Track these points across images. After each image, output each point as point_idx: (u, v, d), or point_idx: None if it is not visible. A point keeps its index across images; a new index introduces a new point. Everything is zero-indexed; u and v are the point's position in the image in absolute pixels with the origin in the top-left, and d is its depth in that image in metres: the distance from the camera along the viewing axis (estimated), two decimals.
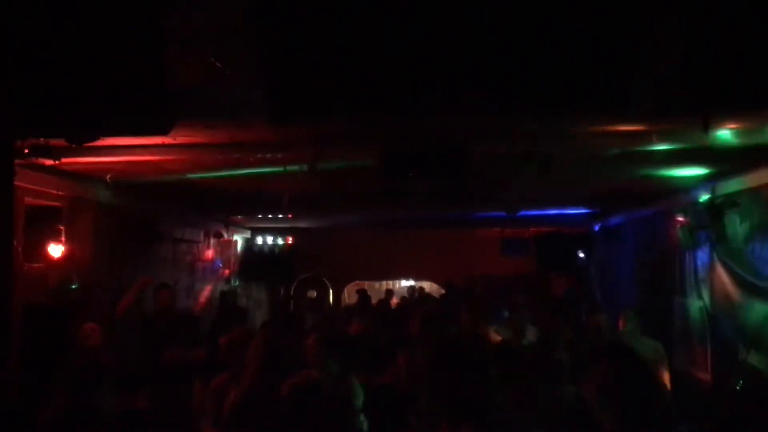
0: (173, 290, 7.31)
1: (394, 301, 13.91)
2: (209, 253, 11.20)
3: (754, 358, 5.65)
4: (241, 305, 12.37)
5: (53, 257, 6.44)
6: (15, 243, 5.76)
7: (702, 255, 7.69)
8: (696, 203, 7.51)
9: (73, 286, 6.83)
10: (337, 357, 4.46)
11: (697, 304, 7.83)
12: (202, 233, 10.78)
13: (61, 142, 4.33)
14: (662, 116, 3.79)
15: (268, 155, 5.43)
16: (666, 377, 5.92)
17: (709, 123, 3.44)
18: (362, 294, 12.71)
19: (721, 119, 3.89)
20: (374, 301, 12.79)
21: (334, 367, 4.40)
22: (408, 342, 4.97)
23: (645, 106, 3.11)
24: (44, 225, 6.44)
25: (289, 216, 10.61)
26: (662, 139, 4.60)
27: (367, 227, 13.24)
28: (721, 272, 7.24)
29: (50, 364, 5.93)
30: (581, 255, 12.51)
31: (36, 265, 6.32)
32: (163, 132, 2.93)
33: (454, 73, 2.80)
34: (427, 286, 16.07)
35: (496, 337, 6.20)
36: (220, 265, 11.43)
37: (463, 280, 13.88)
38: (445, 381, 3.61)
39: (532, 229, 13.18)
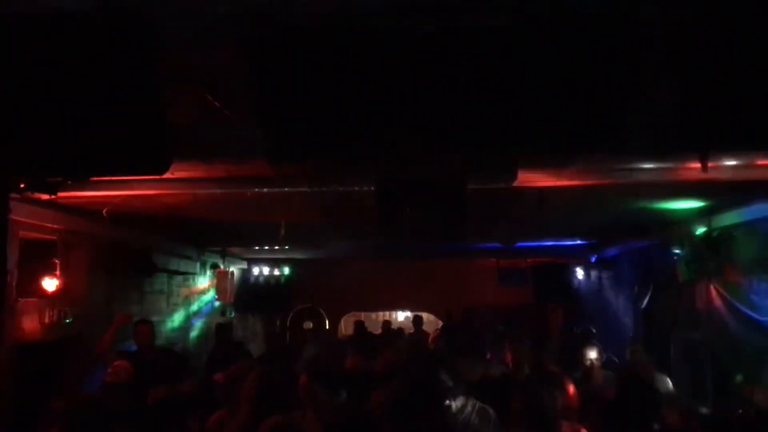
0: (153, 325, 7.22)
1: None
2: (205, 285, 11.14)
3: (759, 395, 5.60)
4: (237, 338, 12.26)
5: (48, 291, 6.39)
6: (9, 278, 5.72)
7: (700, 288, 7.67)
8: (693, 236, 7.51)
9: (68, 321, 6.78)
10: (331, 393, 4.38)
11: (696, 337, 7.79)
12: (198, 265, 10.72)
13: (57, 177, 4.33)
14: (660, 155, 3.80)
15: (266, 189, 5.43)
16: (675, 412, 5.81)
17: (706, 161, 3.45)
18: (359, 326, 12.61)
19: (718, 157, 3.91)
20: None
21: (327, 404, 4.32)
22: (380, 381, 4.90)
23: (643, 145, 3.12)
24: (39, 259, 6.41)
25: (286, 247, 10.58)
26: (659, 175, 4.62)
27: (363, 258, 13.19)
28: (719, 306, 7.22)
29: (44, 399, 5.84)
30: (578, 286, 12.50)
31: (30, 299, 6.27)
32: (161, 171, 2.92)
33: (449, 111, 2.80)
34: (424, 316, 15.97)
35: (495, 372, 6.11)
36: (216, 296, 11.35)
37: (460, 311, 13.80)
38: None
39: (529, 260, 13.17)
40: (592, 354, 5.89)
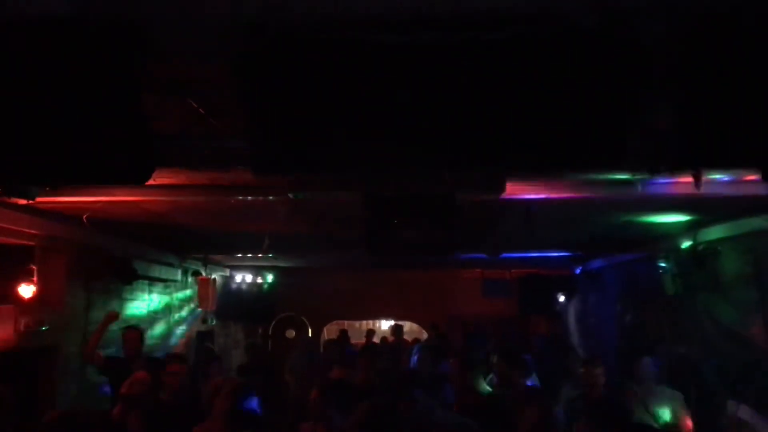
0: (141, 332, 7.11)
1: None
2: (186, 293, 10.98)
3: (744, 413, 5.58)
4: (219, 345, 12.12)
5: (24, 298, 6.23)
6: None
7: (686, 302, 7.66)
8: (679, 250, 7.51)
9: (44, 328, 6.61)
10: (341, 407, 4.29)
11: (681, 351, 7.77)
12: (179, 272, 10.57)
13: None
14: (654, 170, 3.77)
15: (250, 197, 5.34)
16: (688, 424, 5.75)
17: (700, 178, 3.43)
18: (343, 335, 12.54)
19: (710, 173, 3.89)
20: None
21: (337, 419, 4.23)
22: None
23: (637, 160, 3.08)
24: (16, 264, 6.25)
25: (269, 255, 10.46)
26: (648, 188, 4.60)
27: (348, 267, 13.11)
28: (705, 320, 7.21)
29: (20, 409, 5.68)
30: (562, 298, 12.48)
31: (5, 306, 6.10)
32: (140, 181, 2.83)
33: (438, 125, 2.73)
34: (407, 326, 15.92)
35: (486, 389, 6.03)
36: (197, 304, 11.19)
37: (444, 321, 13.74)
38: None
39: (513, 271, 13.15)
40: (597, 371, 5.75)
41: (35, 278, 6.37)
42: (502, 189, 4.53)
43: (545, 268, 12.54)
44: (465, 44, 2.52)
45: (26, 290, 6.25)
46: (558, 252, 10.44)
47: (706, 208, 6.11)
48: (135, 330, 6.98)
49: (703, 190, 4.25)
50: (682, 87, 2.60)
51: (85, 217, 6.28)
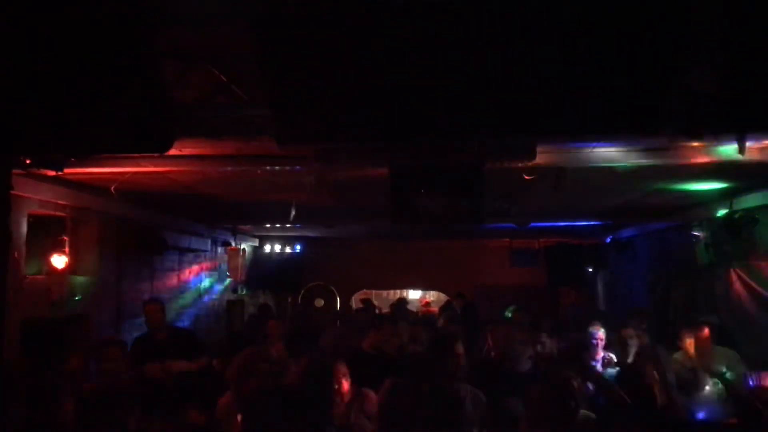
0: (163, 304, 7.10)
1: None
2: (216, 263, 11.07)
3: None
4: (249, 314, 12.24)
5: (56, 268, 6.33)
6: (16, 254, 5.65)
7: (719, 272, 7.49)
8: (714, 218, 7.32)
9: (77, 298, 6.72)
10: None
11: (714, 322, 7.61)
12: (209, 242, 10.64)
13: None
14: (695, 135, 3.62)
15: (276, 167, 5.30)
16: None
17: (744, 143, 3.28)
18: (367, 304, 12.56)
19: (755, 139, 3.73)
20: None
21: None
22: None
23: (675, 125, 2.95)
24: (48, 235, 6.34)
25: (297, 226, 10.48)
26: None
27: (375, 237, 13.09)
28: (739, 289, 7.05)
29: (51, 378, 5.78)
30: (591, 267, 12.31)
31: (38, 276, 6.20)
32: (162, 150, 2.81)
33: (466, 93, 2.62)
34: (434, 295, 15.94)
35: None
36: (227, 274, 11.29)
37: (471, 291, 13.68)
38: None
39: (541, 240, 13.01)
40: (633, 335, 5.49)
41: (67, 249, 6.46)
42: (533, 156, 4.40)
43: (574, 237, 12.36)
44: (494, 1, 2.40)
45: (58, 261, 6.35)
46: (588, 221, 10.27)
47: (745, 175, 5.90)
48: (156, 302, 6.97)
49: (750, 156, 4.07)
50: (725, 47, 2.46)
51: (113, 187, 6.31)
